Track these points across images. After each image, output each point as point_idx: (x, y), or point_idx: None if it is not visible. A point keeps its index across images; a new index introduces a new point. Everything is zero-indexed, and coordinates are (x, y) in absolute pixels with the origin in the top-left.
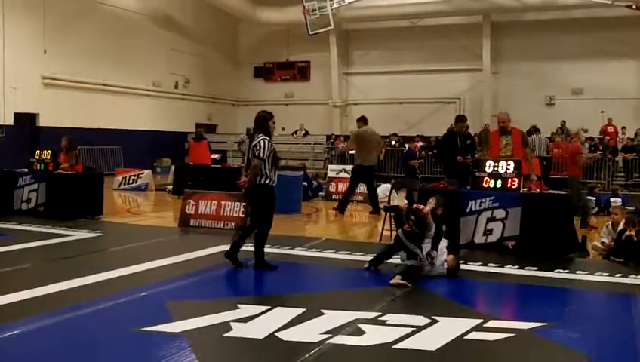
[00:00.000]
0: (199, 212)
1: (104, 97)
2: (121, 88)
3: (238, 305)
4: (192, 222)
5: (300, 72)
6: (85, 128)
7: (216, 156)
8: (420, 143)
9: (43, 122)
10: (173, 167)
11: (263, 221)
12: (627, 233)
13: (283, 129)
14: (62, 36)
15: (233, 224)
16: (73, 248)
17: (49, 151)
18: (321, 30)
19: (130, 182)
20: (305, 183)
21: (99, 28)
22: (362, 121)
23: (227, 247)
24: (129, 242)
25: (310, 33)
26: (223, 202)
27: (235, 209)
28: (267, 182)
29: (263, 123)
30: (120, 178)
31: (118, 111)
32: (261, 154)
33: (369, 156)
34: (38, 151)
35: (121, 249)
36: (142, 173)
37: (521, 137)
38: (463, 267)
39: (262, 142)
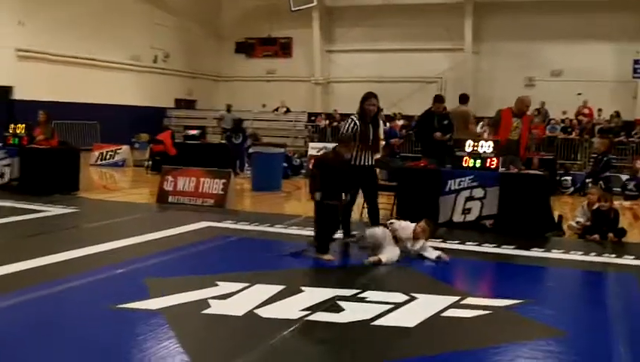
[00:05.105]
0: (178, 188)
1: (81, 71)
2: (99, 62)
3: (217, 282)
4: (170, 199)
5: (282, 48)
6: (62, 102)
7: (195, 132)
8: (401, 122)
9: (18, 95)
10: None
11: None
12: (599, 205)
13: (264, 106)
14: (38, 7)
15: (212, 201)
16: (48, 224)
17: (23, 125)
18: (304, 6)
19: (108, 157)
20: (285, 164)
21: None
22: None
23: (206, 224)
24: (106, 218)
25: (293, 9)
26: (202, 179)
27: (214, 186)
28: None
29: (360, 104)
30: (97, 153)
31: (96, 85)
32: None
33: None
34: (12, 125)
35: (98, 225)
36: (119, 149)
37: (529, 123)
38: (441, 245)
39: (346, 121)
